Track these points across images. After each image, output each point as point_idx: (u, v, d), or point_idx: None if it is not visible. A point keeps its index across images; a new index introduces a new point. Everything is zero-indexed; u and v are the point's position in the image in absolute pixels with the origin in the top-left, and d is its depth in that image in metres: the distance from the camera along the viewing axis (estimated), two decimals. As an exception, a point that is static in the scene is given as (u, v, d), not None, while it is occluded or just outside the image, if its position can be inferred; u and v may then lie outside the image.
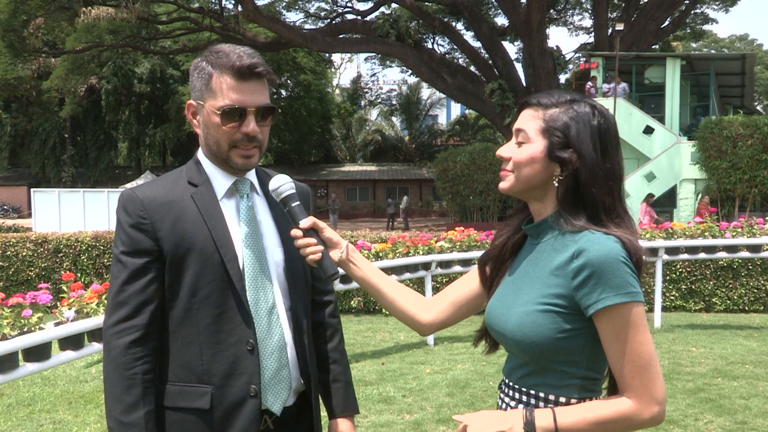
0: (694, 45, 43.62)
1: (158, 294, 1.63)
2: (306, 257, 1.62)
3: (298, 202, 1.66)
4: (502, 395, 1.53)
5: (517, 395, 1.47)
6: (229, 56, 1.63)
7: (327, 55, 35.79)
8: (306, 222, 1.63)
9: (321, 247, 1.62)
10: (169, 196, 1.66)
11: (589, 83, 21.25)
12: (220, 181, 1.71)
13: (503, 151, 1.51)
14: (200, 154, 1.75)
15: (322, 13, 29.73)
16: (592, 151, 1.42)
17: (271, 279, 1.70)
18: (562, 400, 1.42)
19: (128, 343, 1.60)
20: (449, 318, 1.68)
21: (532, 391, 1.44)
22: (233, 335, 1.63)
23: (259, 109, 1.65)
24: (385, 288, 1.69)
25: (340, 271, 1.67)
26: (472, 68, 26.80)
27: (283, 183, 1.67)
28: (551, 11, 29.92)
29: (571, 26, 34.10)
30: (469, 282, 1.68)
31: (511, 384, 1.50)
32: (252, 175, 1.77)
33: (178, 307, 1.64)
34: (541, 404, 1.43)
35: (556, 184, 1.44)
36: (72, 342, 3.95)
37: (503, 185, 1.51)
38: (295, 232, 1.64)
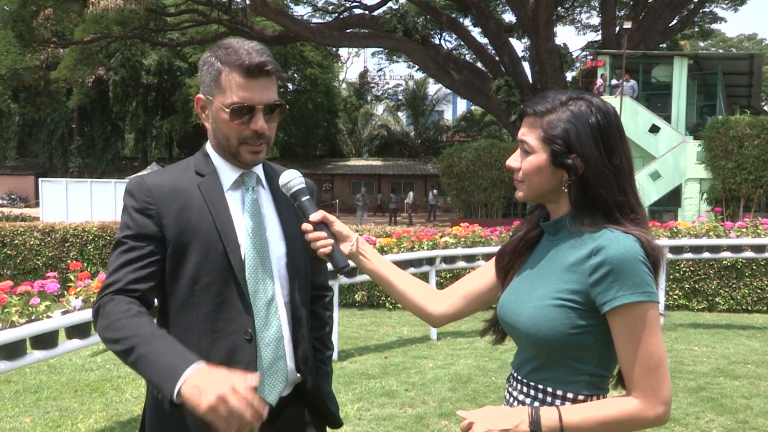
0: (701, 44, 43.41)
1: (156, 277, 1.63)
2: (317, 251, 1.64)
3: (308, 197, 1.68)
4: (510, 389, 1.54)
5: (525, 389, 1.48)
6: (239, 53, 1.62)
7: (334, 49, 35.77)
8: (316, 216, 1.65)
9: (331, 241, 1.64)
10: (177, 185, 1.68)
11: (599, 80, 21.18)
12: (227, 173, 1.72)
13: (512, 162, 1.52)
14: (208, 147, 1.76)
15: (330, 7, 29.73)
16: (595, 152, 1.40)
17: (271, 271, 1.70)
18: (570, 395, 1.42)
19: (123, 302, 1.56)
20: (460, 310, 1.69)
21: (541, 386, 1.45)
22: (232, 324, 1.64)
23: (267, 106, 1.66)
24: (395, 280, 1.71)
25: (351, 263, 1.69)
26: (479, 65, 26.78)
27: (293, 178, 1.69)
28: (559, 9, 29.85)
29: (579, 24, 34.03)
30: (482, 276, 1.68)
31: (519, 378, 1.51)
32: (258, 169, 1.78)
33: (178, 294, 1.64)
34: (549, 399, 1.43)
35: (566, 190, 1.44)
36: (79, 330, 3.98)
37: (518, 195, 1.53)
38: (305, 226, 1.65)
